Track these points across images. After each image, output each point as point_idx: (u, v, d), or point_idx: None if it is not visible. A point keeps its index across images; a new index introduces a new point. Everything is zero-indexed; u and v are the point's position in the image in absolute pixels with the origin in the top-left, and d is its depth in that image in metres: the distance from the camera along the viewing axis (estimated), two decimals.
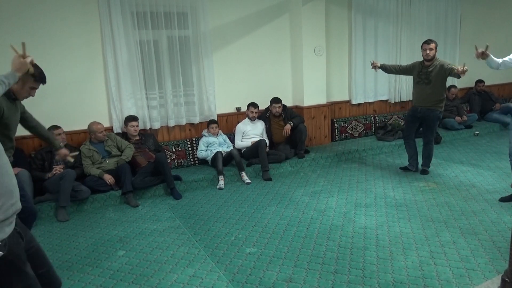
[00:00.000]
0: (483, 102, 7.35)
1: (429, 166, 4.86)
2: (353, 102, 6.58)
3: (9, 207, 1.36)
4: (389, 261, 2.84)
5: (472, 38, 7.54)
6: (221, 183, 4.70)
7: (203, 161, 5.24)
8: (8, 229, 1.34)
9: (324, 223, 3.56)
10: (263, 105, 5.54)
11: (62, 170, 4.11)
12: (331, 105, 6.25)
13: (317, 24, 5.73)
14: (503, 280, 2.31)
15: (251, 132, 5.32)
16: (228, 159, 5.01)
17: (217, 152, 4.90)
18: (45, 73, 4.41)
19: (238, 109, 5.69)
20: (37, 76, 2.69)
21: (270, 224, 3.58)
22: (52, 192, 4.03)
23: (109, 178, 4.28)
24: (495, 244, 3.01)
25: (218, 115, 5.48)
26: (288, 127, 5.30)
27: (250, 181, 4.80)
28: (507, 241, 3.00)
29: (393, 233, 3.29)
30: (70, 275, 2.86)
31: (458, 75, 4.18)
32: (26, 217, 2.28)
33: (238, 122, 5.45)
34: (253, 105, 5.33)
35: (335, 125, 6.38)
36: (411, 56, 6.57)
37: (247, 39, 5.58)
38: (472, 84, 7.52)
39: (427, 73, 4.52)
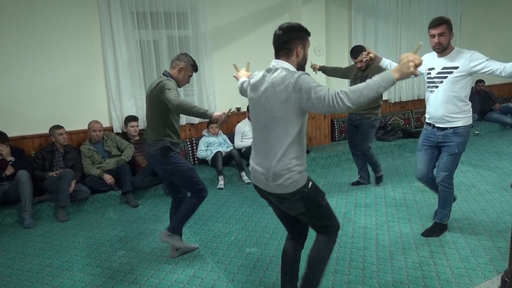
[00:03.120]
0: (483, 102, 7.36)
1: (380, 172, 4.51)
2: None
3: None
4: (389, 261, 2.84)
5: (472, 38, 7.55)
6: (221, 183, 4.70)
7: (203, 161, 5.24)
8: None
9: None
10: None
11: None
12: None
13: (317, 24, 5.73)
14: (503, 280, 2.31)
15: (250, 133, 5.32)
16: (228, 159, 5.01)
17: (217, 152, 4.90)
18: (46, 72, 4.46)
19: (238, 109, 5.69)
20: (194, 65, 2.95)
21: (270, 224, 3.58)
22: (52, 192, 4.04)
23: (109, 178, 4.28)
24: (495, 244, 3.01)
25: None
26: None
27: (250, 181, 4.81)
28: (507, 241, 3.00)
29: (393, 233, 3.29)
30: (70, 275, 2.86)
31: None
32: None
33: (238, 122, 5.45)
34: None
35: (335, 125, 6.38)
36: None
37: (247, 39, 5.58)
38: (472, 84, 7.51)
39: (362, 78, 4.09)
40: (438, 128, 2.96)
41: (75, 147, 4.49)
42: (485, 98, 7.38)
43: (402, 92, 6.94)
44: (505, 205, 3.73)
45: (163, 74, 2.91)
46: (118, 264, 2.99)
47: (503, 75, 2.65)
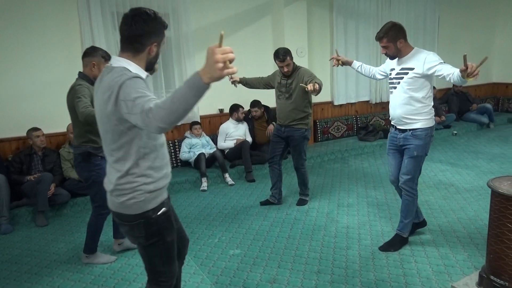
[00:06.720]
0: (460, 103, 7.53)
1: (307, 194, 4.07)
2: (335, 103, 6.64)
3: (169, 175, 1.73)
4: (371, 260, 2.87)
5: (450, 38, 7.73)
6: (204, 185, 4.67)
7: (185, 163, 5.20)
8: (166, 193, 1.74)
9: (307, 223, 3.59)
10: (247, 106, 5.54)
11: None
12: (314, 106, 6.30)
13: (299, 25, 5.77)
14: (480, 276, 2.38)
15: (234, 133, 5.31)
16: (211, 160, 4.99)
17: (200, 154, 4.86)
18: (24, 73, 4.34)
19: (221, 110, 5.68)
20: (105, 56, 2.83)
21: (253, 225, 3.58)
22: (30, 197, 3.94)
23: None
24: (473, 241, 3.09)
25: (201, 117, 5.45)
26: (271, 127, 5.31)
27: (233, 183, 4.79)
28: (484, 238, 3.07)
29: (375, 232, 3.33)
30: (50, 281, 2.80)
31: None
32: None
33: (221, 123, 5.43)
34: (240, 106, 5.34)
35: (318, 126, 6.43)
36: None
37: (229, 40, 5.57)
38: (450, 85, 7.69)
39: (287, 86, 3.77)
40: (400, 130, 2.89)
41: (54, 150, 4.39)
42: (462, 98, 7.55)
43: (383, 92, 7.04)
44: (482, 203, 3.82)
45: (78, 76, 2.84)
46: (100, 269, 2.93)
47: (451, 81, 2.56)
